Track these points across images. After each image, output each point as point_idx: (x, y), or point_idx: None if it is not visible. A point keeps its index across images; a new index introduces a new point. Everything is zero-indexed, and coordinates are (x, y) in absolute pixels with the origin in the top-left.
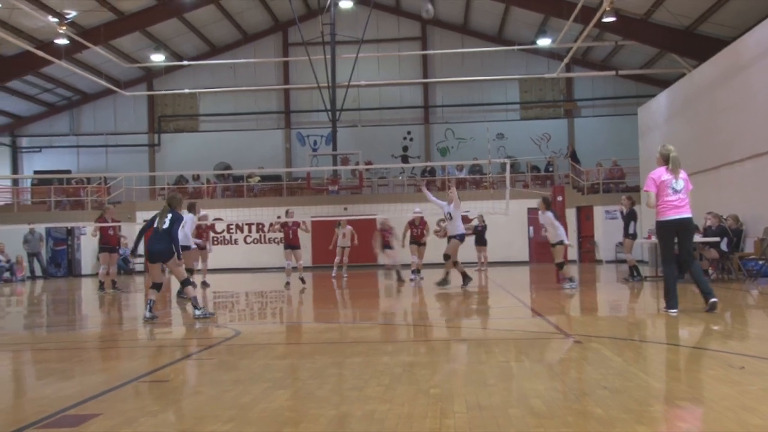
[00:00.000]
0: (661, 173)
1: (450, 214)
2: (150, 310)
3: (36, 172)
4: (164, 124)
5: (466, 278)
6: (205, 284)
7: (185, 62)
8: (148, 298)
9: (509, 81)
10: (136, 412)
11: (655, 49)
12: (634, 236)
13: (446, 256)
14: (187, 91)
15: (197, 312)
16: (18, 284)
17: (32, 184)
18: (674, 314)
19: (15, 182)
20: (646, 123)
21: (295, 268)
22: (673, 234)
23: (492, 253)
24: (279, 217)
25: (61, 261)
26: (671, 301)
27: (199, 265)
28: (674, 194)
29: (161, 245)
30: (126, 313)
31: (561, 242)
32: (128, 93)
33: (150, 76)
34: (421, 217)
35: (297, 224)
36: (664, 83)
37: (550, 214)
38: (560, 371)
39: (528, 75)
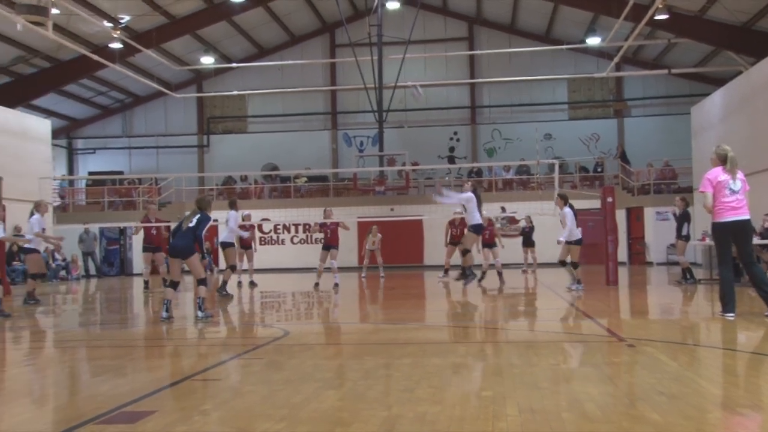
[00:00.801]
0: (718, 173)
1: (464, 206)
2: (166, 310)
3: (90, 173)
4: (213, 126)
5: (466, 274)
6: (252, 284)
7: (234, 64)
8: (167, 298)
9: (557, 81)
10: (190, 411)
11: (710, 46)
12: (687, 238)
13: (465, 252)
14: (235, 92)
15: (199, 314)
16: (73, 282)
17: (86, 185)
18: (731, 318)
19: (70, 183)
20: (700, 123)
21: (328, 269)
22: (730, 236)
23: (540, 255)
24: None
25: (113, 260)
26: (728, 305)
27: (245, 265)
28: (731, 195)
29: (182, 242)
30: (174, 312)
31: (577, 241)
32: (178, 95)
33: (199, 78)
34: (462, 218)
35: (336, 224)
36: (719, 81)
37: (568, 210)
38: (613, 375)
39: (577, 74)
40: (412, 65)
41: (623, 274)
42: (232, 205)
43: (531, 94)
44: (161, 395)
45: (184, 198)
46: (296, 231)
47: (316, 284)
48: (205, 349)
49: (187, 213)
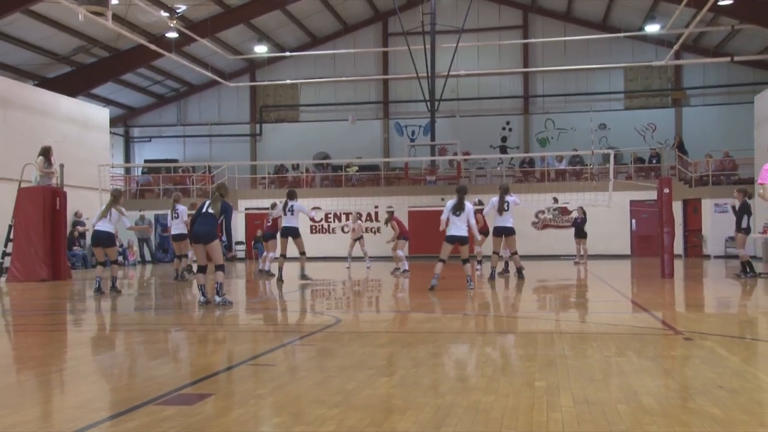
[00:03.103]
0: None
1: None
2: (203, 295)
3: (146, 161)
4: (266, 115)
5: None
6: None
7: (287, 53)
8: (200, 284)
9: (613, 69)
10: (246, 395)
11: None
12: (747, 231)
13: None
14: (288, 81)
15: (217, 299)
16: (130, 268)
17: (142, 173)
18: None
19: (127, 170)
20: (764, 112)
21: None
22: None
23: (592, 246)
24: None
25: (168, 246)
26: None
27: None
28: None
29: (204, 228)
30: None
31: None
32: (232, 84)
33: (253, 67)
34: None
35: (396, 220)
36: None
37: (469, 206)
38: (671, 368)
39: (634, 63)
40: (465, 54)
41: (679, 266)
42: (294, 196)
43: (586, 84)
44: (217, 379)
45: (236, 186)
46: (347, 220)
47: (396, 269)
48: (258, 335)
49: (208, 200)
